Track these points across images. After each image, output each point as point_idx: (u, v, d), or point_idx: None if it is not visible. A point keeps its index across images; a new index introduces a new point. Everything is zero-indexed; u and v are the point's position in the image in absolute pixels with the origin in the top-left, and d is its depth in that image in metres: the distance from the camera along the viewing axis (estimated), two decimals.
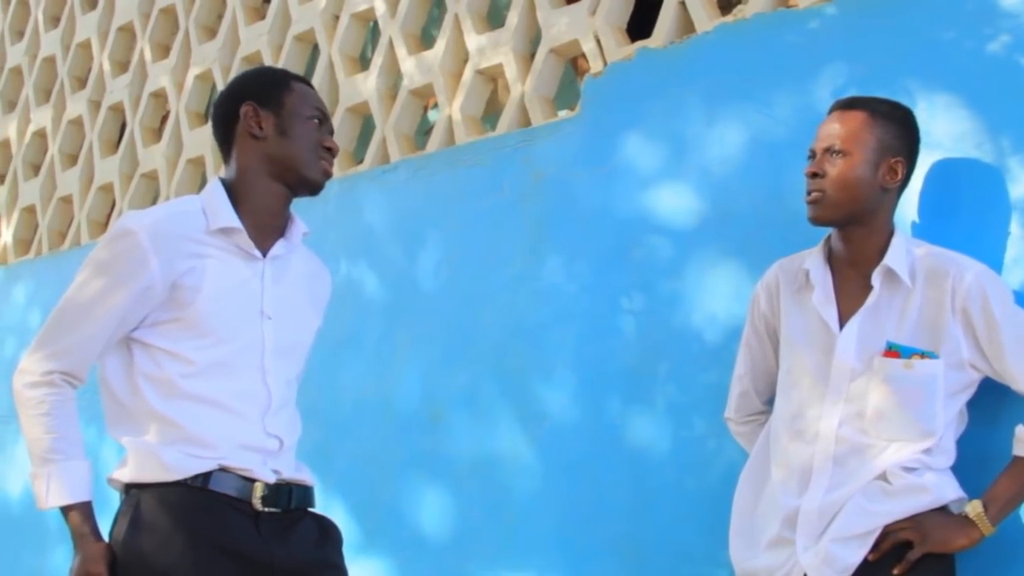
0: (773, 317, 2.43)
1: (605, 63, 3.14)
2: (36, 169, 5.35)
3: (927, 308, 2.22)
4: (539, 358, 3.09)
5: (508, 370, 3.15)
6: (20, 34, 5.63)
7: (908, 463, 2.20)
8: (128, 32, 4.97)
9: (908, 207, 2.44)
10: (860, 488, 2.20)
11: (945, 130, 2.43)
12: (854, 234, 2.29)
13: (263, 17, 4.33)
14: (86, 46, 5.16)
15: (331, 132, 2.26)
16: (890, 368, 2.22)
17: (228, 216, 2.16)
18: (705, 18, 2.93)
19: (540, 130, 3.23)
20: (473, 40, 3.52)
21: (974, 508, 2.17)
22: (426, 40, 3.86)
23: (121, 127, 4.99)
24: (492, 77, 3.55)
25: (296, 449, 2.26)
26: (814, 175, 2.27)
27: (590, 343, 2.99)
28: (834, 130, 2.28)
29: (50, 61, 5.35)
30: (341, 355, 3.52)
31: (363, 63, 4.00)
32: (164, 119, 4.79)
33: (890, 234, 2.29)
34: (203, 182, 4.40)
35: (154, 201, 4.67)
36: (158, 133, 4.77)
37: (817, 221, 2.29)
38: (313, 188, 2.23)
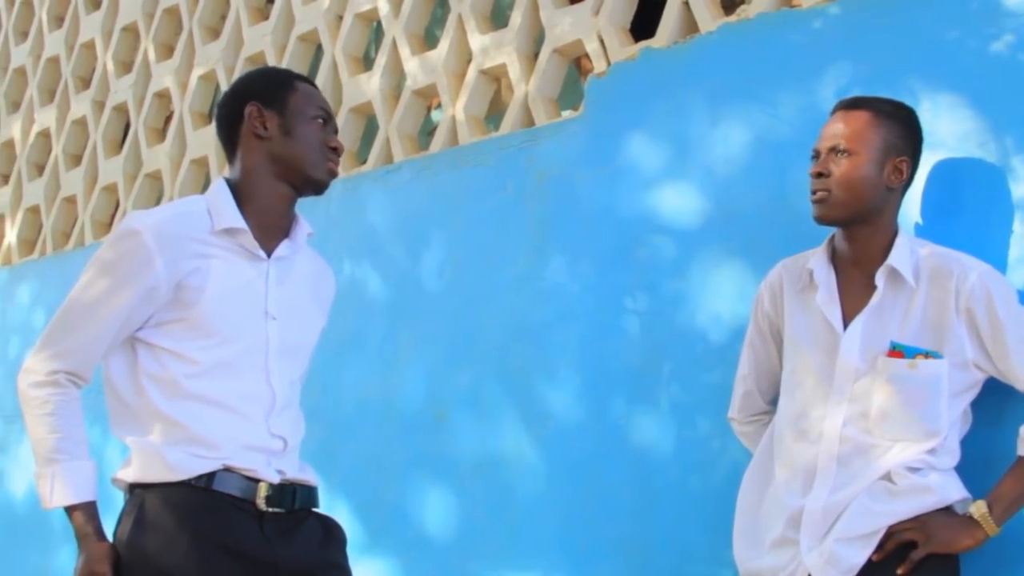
0: (777, 317, 2.43)
1: (609, 63, 3.13)
2: (40, 169, 5.35)
3: (931, 308, 2.22)
4: (543, 358, 3.09)
5: (512, 370, 3.15)
6: (24, 34, 5.63)
7: (912, 463, 2.19)
8: (132, 32, 4.98)
9: (911, 207, 2.44)
10: (864, 488, 2.20)
11: (949, 130, 2.43)
12: (859, 234, 2.29)
13: (267, 17, 4.33)
14: (90, 46, 5.17)
15: (336, 132, 2.26)
16: (894, 368, 2.22)
17: (233, 216, 2.16)
18: (708, 18, 2.93)
19: (544, 130, 3.23)
20: (477, 40, 3.52)
21: (978, 508, 2.16)
22: (430, 40, 3.86)
23: (125, 127, 5.00)
24: (496, 77, 3.55)
25: (300, 449, 2.26)
26: (819, 175, 2.27)
27: (594, 343, 2.99)
28: (838, 130, 2.28)
29: (54, 61, 5.35)
30: (345, 355, 3.52)
31: (367, 63, 4.00)
32: (168, 119, 4.79)
33: (894, 234, 2.29)
34: (207, 182, 4.40)
35: (158, 201, 4.67)
36: (162, 133, 4.78)
37: (823, 220, 2.29)
38: (318, 188, 2.23)
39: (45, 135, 5.33)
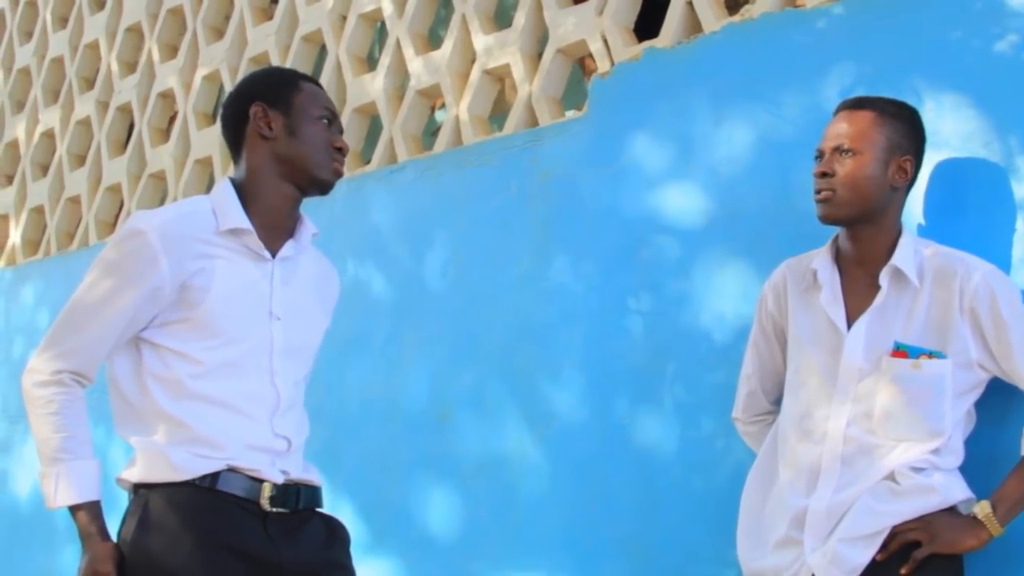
0: (781, 317, 2.43)
1: (612, 63, 3.13)
2: (44, 170, 5.36)
3: (935, 308, 2.22)
4: (546, 358, 3.09)
5: (515, 370, 3.16)
6: (28, 35, 5.64)
7: (916, 463, 2.19)
8: (136, 33, 4.98)
9: (915, 207, 2.44)
10: (868, 488, 2.20)
11: (952, 129, 2.43)
12: (863, 233, 2.29)
13: (271, 18, 4.33)
14: (94, 47, 5.17)
15: (340, 131, 2.26)
16: (898, 368, 2.22)
17: (238, 217, 2.16)
18: (712, 18, 2.93)
19: (547, 130, 3.23)
20: (480, 40, 3.53)
21: (982, 509, 2.16)
22: (433, 40, 3.86)
23: (129, 127, 5.00)
24: (499, 77, 3.55)
25: (304, 449, 2.27)
26: (823, 174, 2.27)
27: (597, 343, 2.99)
28: (842, 129, 2.28)
29: (58, 62, 5.36)
30: (348, 355, 3.52)
31: (370, 63, 4.00)
32: (172, 119, 4.80)
33: (898, 234, 2.29)
34: (211, 182, 4.40)
35: (162, 201, 4.68)
36: (166, 133, 4.78)
37: (827, 220, 2.29)
38: (323, 188, 2.23)
39: (49, 135, 5.34)
